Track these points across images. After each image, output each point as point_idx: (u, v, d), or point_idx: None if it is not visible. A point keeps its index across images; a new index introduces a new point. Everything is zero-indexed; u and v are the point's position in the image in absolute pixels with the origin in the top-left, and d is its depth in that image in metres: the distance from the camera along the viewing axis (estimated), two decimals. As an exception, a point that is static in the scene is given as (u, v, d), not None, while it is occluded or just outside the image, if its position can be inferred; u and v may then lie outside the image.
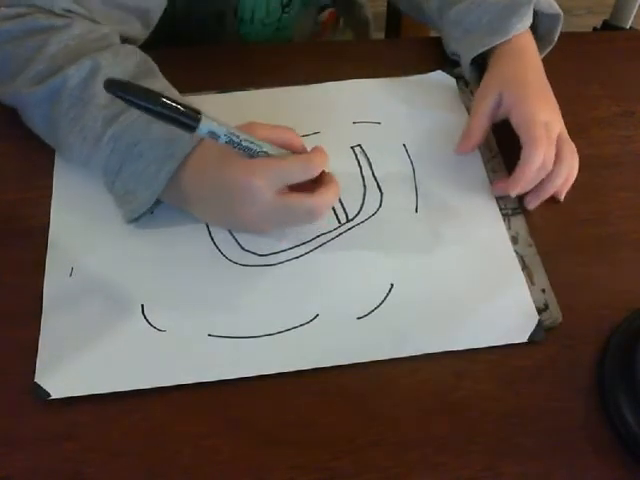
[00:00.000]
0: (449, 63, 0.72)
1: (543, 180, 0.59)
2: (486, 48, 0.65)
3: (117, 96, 0.46)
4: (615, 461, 0.49)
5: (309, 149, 0.55)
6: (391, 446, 0.49)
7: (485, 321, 0.54)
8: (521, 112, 0.60)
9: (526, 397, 0.51)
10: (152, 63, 0.61)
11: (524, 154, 0.58)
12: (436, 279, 0.56)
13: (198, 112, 0.48)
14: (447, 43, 0.72)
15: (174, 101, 0.47)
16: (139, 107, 0.47)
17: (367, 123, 0.67)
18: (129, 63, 0.59)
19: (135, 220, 0.57)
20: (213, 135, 0.48)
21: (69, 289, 0.55)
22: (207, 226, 0.58)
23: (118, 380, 0.50)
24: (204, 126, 0.48)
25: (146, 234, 0.58)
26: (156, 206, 0.57)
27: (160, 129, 0.55)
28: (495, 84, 0.63)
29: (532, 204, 0.60)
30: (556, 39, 0.68)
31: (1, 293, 0.55)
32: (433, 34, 0.77)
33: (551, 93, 0.63)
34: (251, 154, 0.51)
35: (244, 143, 0.50)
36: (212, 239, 0.58)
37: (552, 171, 0.59)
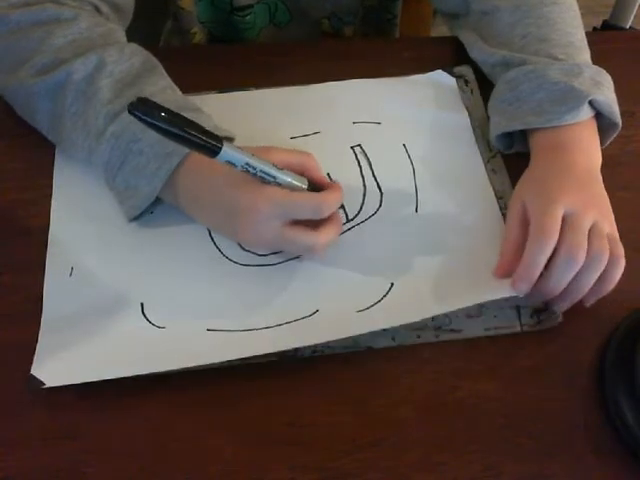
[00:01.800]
0: (449, 63, 0.72)
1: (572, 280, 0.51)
2: (526, 127, 0.60)
3: (138, 118, 0.45)
4: (615, 461, 0.49)
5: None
6: (391, 446, 0.49)
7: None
8: (534, 207, 0.54)
9: (526, 397, 0.51)
10: (156, 61, 0.61)
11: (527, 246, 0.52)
12: (436, 279, 0.56)
13: (220, 141, 0.47)
14: (487, 72, 0.68)
15: (195, 129, 0.46)
16: (159, 130, 0.45)
17: (367, 123, 0.67)
18: (135, 60, 0.59)
19: (136, 218, 0.57)
20: (230, 163, 0.48)
21: (69, 289, 0.55)
22: (207, 226, 0.59)
23: (113, 368, 0.50)
24: (222, 156, 0.47)
25: (146, 233, 0.58)
26: (156, 205, 0.57)
27: None
28: (518, 192, 0.57)
29: (561, 307, 0.54)
30: (607, 143, 0.62)
31: (1, 293, 0.55)
32: (433, 34, 0.77)
33: (595, 193, 0.56)
34: (264, 181, 0.51)
35: (259, 174, 0.50)
36: (212, 239, 0.58)
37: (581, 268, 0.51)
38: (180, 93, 0.60)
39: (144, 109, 0.44)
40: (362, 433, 0.49)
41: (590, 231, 0.52)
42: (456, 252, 0.58)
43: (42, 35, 0.58)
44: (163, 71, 0.61)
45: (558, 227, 0.52)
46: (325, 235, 0.53)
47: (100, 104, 0.56)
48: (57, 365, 0.50)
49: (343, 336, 0.52)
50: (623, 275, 0.54)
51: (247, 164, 0.49)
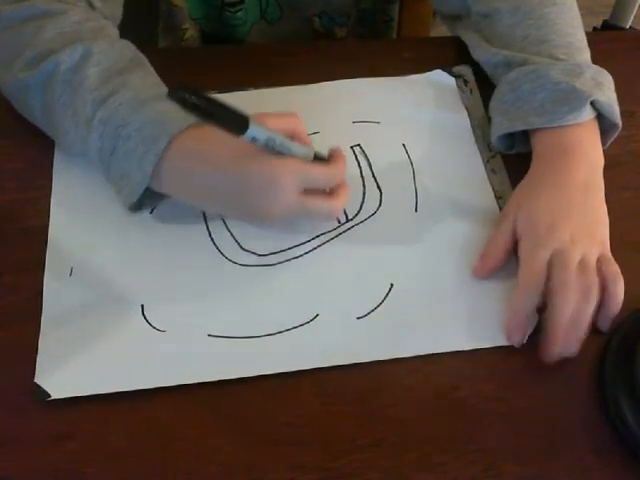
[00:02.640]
0: (449, 63, 0.72)
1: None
2: (528, 128, 0.60)
3: (180, 102, 0.45)
4: (615, 461, 0.49)
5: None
6: (391, 446, 0.49)
7: (487, 321, 0.54)
8: (522, 247, 0.55)
9: (526, 397, 0.51)
10: (144, 58, 0.60)
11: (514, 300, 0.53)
12: (436, 279, 0.56)
13: (247, 119, 0.48)
14: (489, 73, 0.68)
15: (225, 107, 0.47)
16: (193, 109, 0.46)
17: (367, 123, 0.67)
18: (125, 52, 0.59)
19: (137, 209, 0.56)
20: (254, 141, 0.49)
21: (69, 289, 0.55)
22: (207, 226, 0.58)
23: (118, 381, 0.50)
24: (250, 132, 0.48)
25: (146, 234, 0.58)
26: (155, 202, 0.57)
27: (148, 112, 0.54)
28: (513, 204, 0.57)
29: (574, 350, 0.52)
30: (608, 144, 0.62)
31: (1, 293, 0.55)
32: (433, 34, 0.77)
33: (589, 214, 0.56)
34: (276, 152, 0.51)
35: (277, 147, 0.51)
36: (212, 239, 0.58)
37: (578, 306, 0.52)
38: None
39: (184, 93, 0.45)
40: (362, 433, 0.49)
41: (578, 264, 0.53)
42: (455, 252, 0.58)
43: (33, 30, 0.58)
44: (151, 68, 0.60)
45: (544, 273, 0.53)
46: (342, 200, 0.56)
47: (87, 92, 0.55)
48: (61, 375, 0.50)
49: (341, 361, 0.52)
50: (623, 275, 0.54)
51: (269, 138, 0.50)
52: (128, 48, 0.60)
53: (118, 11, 0.68)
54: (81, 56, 0.57)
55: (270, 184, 0.51)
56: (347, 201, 0.57)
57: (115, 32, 0.63)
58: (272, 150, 0.51)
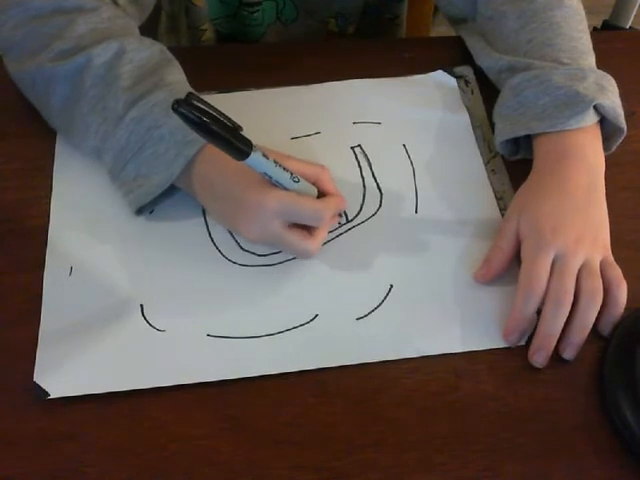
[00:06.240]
0: (449, 63, 0.72)
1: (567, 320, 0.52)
2: (530, 133, 0.60)
3: (181, 116, 0.46)
4: (615, 461, 0.49)
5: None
6: (391, 446, 0.49)
7: (485, 322, 0.54)
8: (526, 248, 0.55)
9: (526, 397, 0.51)
10: (171, 54, 0.61)
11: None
12: (436, 280, 0.56)
13: (250, 147, 0.49)
14: (493, 78, 0.68)
15: (230, 131, 0.48)
16: (197, 128, 0.47)
17: (367, 123, 0.67)
18: (154, 49, 0.59)
19: (140, 212, 0.57)
20: (251, 167, 0.50)
21: (69, 289, 0.55)
22: (207, 227, 0.59)
23: (117, 380, 0.50)
24: (248, 161, 0.49)
25: (145, 234, 0.58)
26: (157, 203, 0.57)
27: None
28: (516, 208, 0.57)
29: (572, 352, 0.53)
30: (613, 148, 0.62)
31: (1, 293, 0.55)
32: (433, 34, 0.77)
33: (591, 217, 0.56)
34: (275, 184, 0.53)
35: (273, 182, 0.52)
36: (212, 239, 0.58)
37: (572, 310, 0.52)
38: (191, 89, 0.60)
39: (188, 107, 0.45)
40: (362, 433, 0.49)
41: (581, 269, 0.53)
42: (455, 254, 0.58)
43: (63, 22, 0.58)
44: (179, 65, 0.61)
45: (546, 277, 0.53)
46: (318, 241, 0.55)
47: (121, 90, 0.56)
48: (60, 374, 0.50)
49: (341, 361, 0.52)
50: (623, 275, 0.54)
51: (265, 173, 0.51)
52: (156, 44, 0.60)
53: (145, 13, 0.68)
54: (115, 53, 0.57)
55: (256, 207, 0.52)
56: (322, 242, 0.56)
57: (137, 30, 0.63)
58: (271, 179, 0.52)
